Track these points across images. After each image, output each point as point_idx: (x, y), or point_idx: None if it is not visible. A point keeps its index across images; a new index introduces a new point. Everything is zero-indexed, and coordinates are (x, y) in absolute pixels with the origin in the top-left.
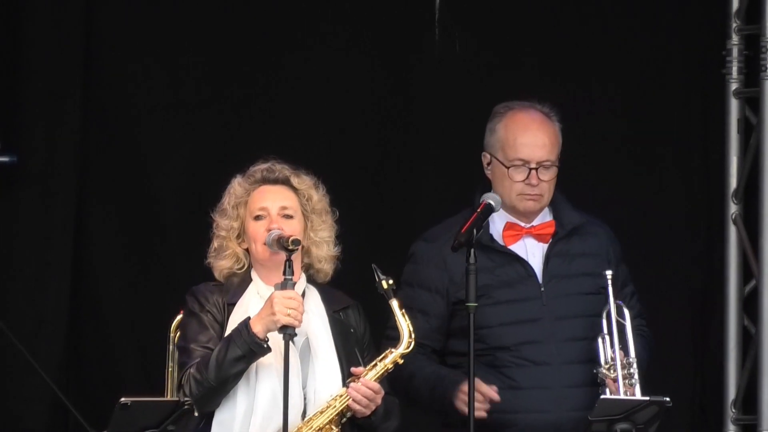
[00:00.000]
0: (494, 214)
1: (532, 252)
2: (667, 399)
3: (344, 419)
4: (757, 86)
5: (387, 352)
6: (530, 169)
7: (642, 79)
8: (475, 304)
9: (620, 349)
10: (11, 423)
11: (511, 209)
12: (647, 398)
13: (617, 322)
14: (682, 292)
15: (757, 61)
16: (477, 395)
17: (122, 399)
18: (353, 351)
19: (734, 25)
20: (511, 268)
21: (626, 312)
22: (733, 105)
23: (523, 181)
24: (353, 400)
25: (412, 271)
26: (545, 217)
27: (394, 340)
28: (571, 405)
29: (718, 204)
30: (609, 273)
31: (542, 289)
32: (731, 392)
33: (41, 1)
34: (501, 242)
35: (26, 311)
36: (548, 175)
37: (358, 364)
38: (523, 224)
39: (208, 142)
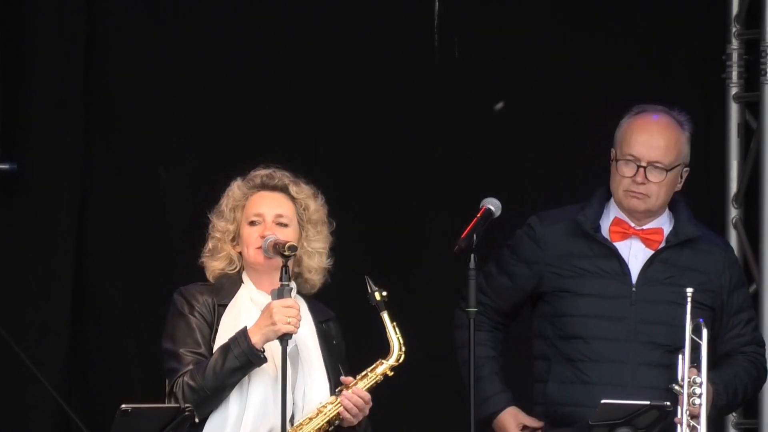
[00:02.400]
0: (610, 206)
1: (635, 254)
2: (668, 404)
3: (332, 427)
4: (757, 90)
5: (377, 363)
6: (639, 166)
7: (642, 83)
8: (475, 309)
9: (693, 366)
10: (14, 430)
11: (624, 209)
12: (647, 402)
13: (694, 341)
14: None
15: (757, 65)
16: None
17: (123, 405)
18: (336, 362)
19: (734, 29)
20: (606, 261)
21: (704, 331)
22: (734, 109)
23: (632, 177)
24: (345, 408)
25: (519, 237)
26: (659, 224)
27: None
28: None
29: (718, 208)
30: (690, 290)
31: (633, 289)
32: None
33: (43, 8)
34: (606, 235)
35: (28, 318)
36: (657, 177)
37: (341, 375)
38: (632, 224)
39: (211, 148)
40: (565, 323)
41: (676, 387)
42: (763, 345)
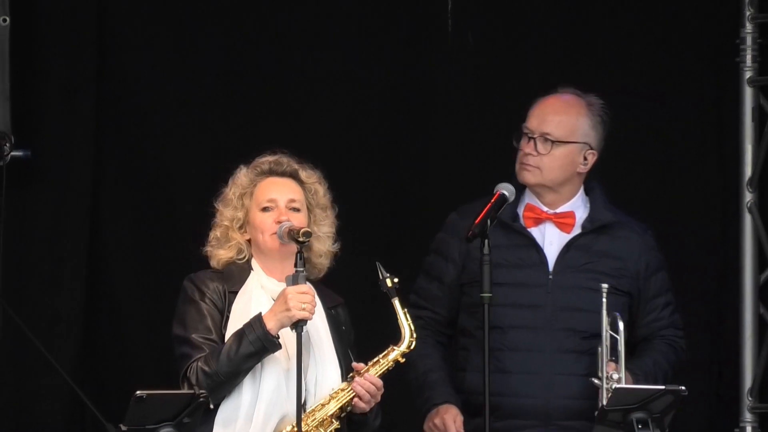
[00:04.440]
0: (525, 194)
1: (550, 240)
2: (683, 388)
3: (344, 414)
4: None
5: (389, 349)
6: (530, 138)
7: (656, 68)
8: (490, 294)
9: (611, 360)
10: (28, 418)
11: (530, 187)
12: (662, 387)
13: (611, 336)
14: (698, 281)
15: None
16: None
17: (138, 392)
18: (347, 348)
19: (748, 13)
20: (524, 250)
21: (621, 324)
22: (748, 93)
23: (522, 150)
24: (357, 394)
25: (439, 238)
26: (572, 207)
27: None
28: (562, 392)
29: (733, 192)
30: (605, 286)
31: (550, 277)
32: (747, 381)
33: None
34: (523, 223)
35: (42, 307)
36: (545, 149)
37: (351, 360)
38: (544, 209)
39: (222, 136)
40: (479, 313)
41: (596, 381)
42: (681, 328)
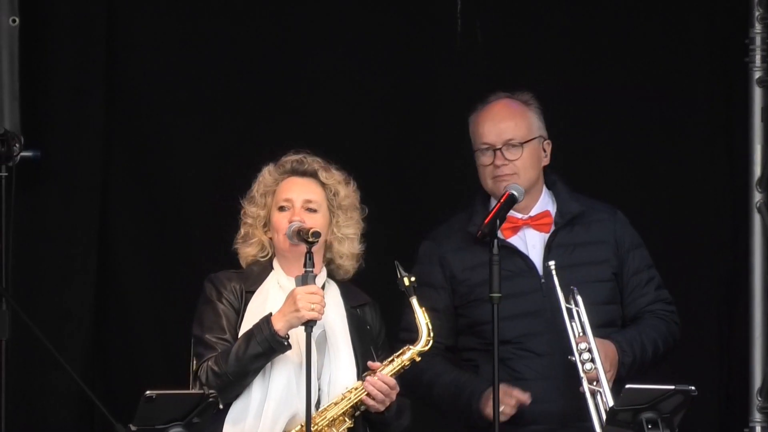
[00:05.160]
0: (491, 208)
1: (532, 244)
2: (693, 388)
3: (357, 413)
4: None
5: (405, 348)
6: (495, 150)
7: (665, 68)
8: (499, 295)
9: (580, 334)
10: (38, 417)
11: (498, 198)
12: (672, 387)
13: (571, 310)
14: (707, 280)
15: None
16: (507, 398)
17: (147, 392)
18: (368, 347)
19: (757, 13)
20: (510, 261)
21: (579, 298)
22: (757, 93)
23: (492, 163)
24: (368, 393)
25: (418, 271)
26: (544, 206)
27: (405, 342)
28: (577, 394)
29: (742, 192)
30: (552, 263)
31: (542, 281)
32: (757, 381)
33: None
34: (501, 235)
35: (51, 306)
36: (515, 154)
37: (372, 360)
38: (519, 215)
39: (232, 136)
40: (484, 331)
41: (571, 358)
42: (671, 303)
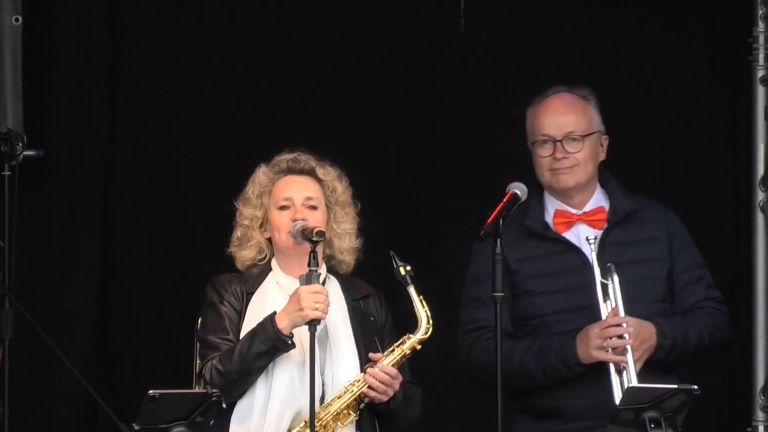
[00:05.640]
0: (546, 202)
1: (586, 239)
2: (695, 387)
3: (362, 405)
4: None
5: (405, 337)
6: (555, 142)
7: (668, 67)
8: (502, 294)
9: (613, 308)
10: (41, 416)
11: (558, 193)
12: (675, 386)
13: (602, 282)
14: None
15: None
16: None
17: (150, 391)
18: (372, 339)
19: (761, 12)
20: (565, 257)
21: (615, 276)
22: (760, 92)
23: (551, 155)
24: (369, 385)
25: (474, 267)
26: (598, 202)
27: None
28: None
29: (745, 191)
30: (592, 236)
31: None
32: (760, 379)
33: None
34: (554, 230)
35: (54, 306)
36: (576, 147)
37: (377, 351)
38: (574, 211)
39: (235, 134)
40: (537, 325)
41: None
42: (722, 303)
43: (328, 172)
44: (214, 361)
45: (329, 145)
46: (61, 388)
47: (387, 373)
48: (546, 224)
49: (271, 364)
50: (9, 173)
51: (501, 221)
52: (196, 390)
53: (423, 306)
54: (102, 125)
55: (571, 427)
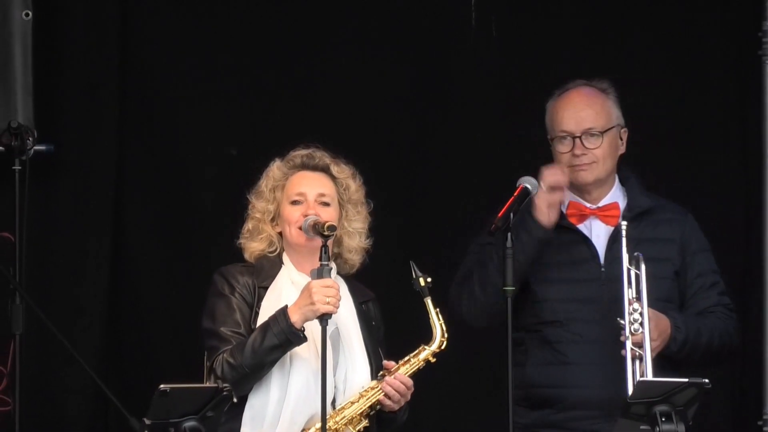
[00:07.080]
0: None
1: (597, 234)
2: (707, 381)
3: (372, 412)
4: None
5: (420, 348)
6: (574, 138)
7: (679, 61)
8: (513, 288)
9: (635, 297)
10: (52, 412)
11: (576, 188)
12: (686, 380)
13: (634, 273)
14: (722, 276)
15: None
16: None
17: (161, 386)
18: (375, 344)
19: None
20: (576, 247)
21: (642, 265)
22: None
23: (570, 151)
24: (386, 394)
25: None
26: (613, 198)
27: None
28: (625, 385)
29: (756, 185)
30: (624, 223)
31: (603, 269)
32: None
33: None
34: (568, 221)
35: (65, 301)
36: (595, 143)
37: (381, 357)
38: (588, 205)
39: (245, 129)
40: (539, 309)
41: (621, 321)
42: (733, 310)
43: (342, 170)
44: (225, 355)
45: (339, 140)
46: (72, 383)
47: (404, 383)
48: (562, 213)
49: (289, 365)
50: (20, 168)
51: (511, 215)
52: (207, 384)
53: (438, 318)
54: (112, 120)
55: (567, 416)
